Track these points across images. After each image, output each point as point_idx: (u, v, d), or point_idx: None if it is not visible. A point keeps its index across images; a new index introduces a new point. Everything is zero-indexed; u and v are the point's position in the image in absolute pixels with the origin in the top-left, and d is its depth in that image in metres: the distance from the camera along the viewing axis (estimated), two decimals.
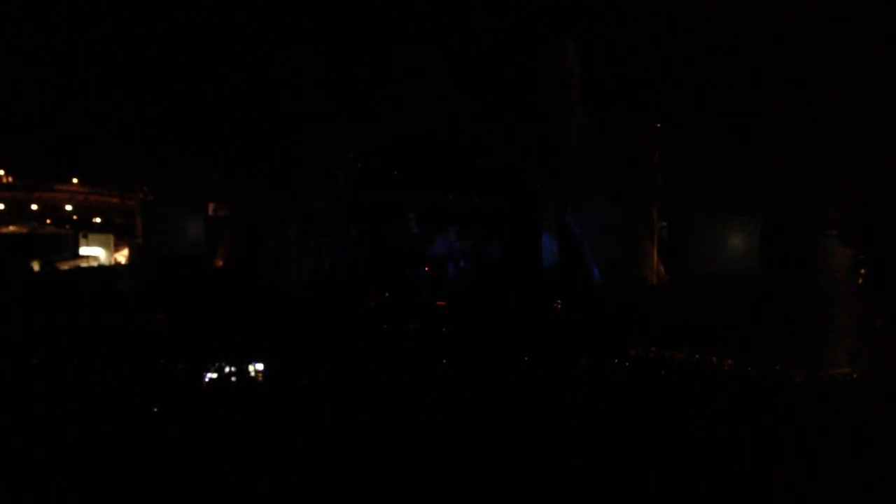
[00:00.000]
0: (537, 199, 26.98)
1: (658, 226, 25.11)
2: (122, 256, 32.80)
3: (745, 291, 22.32)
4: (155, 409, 8.70)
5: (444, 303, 29.52)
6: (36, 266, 29.36)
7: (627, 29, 24.47)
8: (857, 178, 20.50)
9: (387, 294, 29.40)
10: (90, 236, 32.37)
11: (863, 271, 20.30)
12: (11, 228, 30.52)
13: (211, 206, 30.84)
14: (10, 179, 30.80)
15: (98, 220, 32.88)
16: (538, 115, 26.07)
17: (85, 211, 32.64)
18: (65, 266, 30.34)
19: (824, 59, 20.55)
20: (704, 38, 23.13)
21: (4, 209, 30.27)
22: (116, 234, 33.07)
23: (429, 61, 27.07)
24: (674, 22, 23.34)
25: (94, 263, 31.66)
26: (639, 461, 6.57)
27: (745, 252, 23.81)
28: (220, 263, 29.35)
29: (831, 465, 6.71)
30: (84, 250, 32.04)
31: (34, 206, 31.31)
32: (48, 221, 31.88)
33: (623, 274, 25.04)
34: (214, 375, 11.83)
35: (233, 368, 12.18)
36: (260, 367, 12.47)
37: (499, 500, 5.65)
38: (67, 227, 32.21)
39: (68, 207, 32.23)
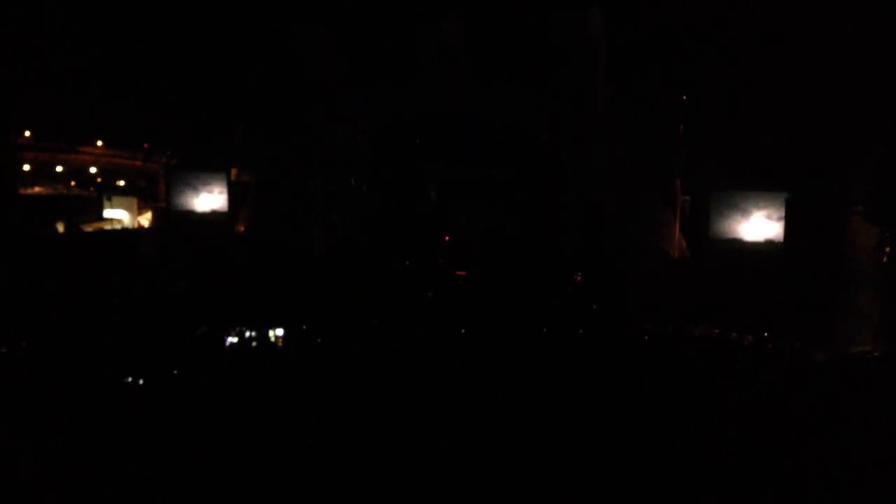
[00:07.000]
0: (559, 170, 26.78)
1: (681, 199, 24.90)
2: (146, 219, 33.11)
3: (768, 268, 22.15)
4: (175, 372, 8.83)
5: (464, 272, 29.53)
6: (61, 227, 29.72)
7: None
8: (884, 154, 20.16)
9: (406, 263, 29.44)
10: (114, 199, 32.67)
11: (888, 249, 20.05)
12: (37, 189, 30.85)
13: (233, 172, 31.01)
14: (36, 141, 31.06)
15: (122, 182, 33.15)
16: (562, 86, 25.83)
17: (109, 173, 32.91)
18: (89, 228, 30.68)
19: (852, 32, 20.14)
20: (730, 10, 22.74)
21: (30, 170, 30.57)
22: (140, 196, 33.36)
23: (450, 32, 26.84)
24: None
25: (118, 226, 31.99)
26: (647, 441, 6.60)
27: (769, 228, 23.61)
28: (242, 228, 29.55)
29: (844, 442, 6.70)
30: (108, 213, 32.35)
31: (59, 168, 31.59)
32: (73, 183, 32.17)
33: (644, 247, 24.90)
34: (235, 340, 12.02)
35: (253, 333, 12.35)
36: (280, 332, 12.63)
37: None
38: (92, 189, 32.50)
39: (93, 170, 32.50)
